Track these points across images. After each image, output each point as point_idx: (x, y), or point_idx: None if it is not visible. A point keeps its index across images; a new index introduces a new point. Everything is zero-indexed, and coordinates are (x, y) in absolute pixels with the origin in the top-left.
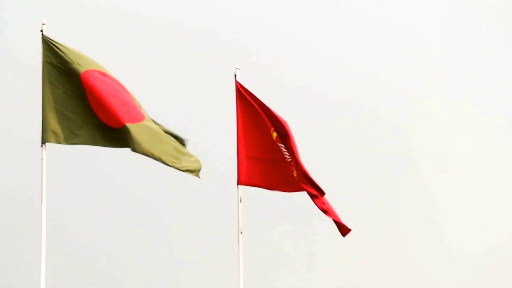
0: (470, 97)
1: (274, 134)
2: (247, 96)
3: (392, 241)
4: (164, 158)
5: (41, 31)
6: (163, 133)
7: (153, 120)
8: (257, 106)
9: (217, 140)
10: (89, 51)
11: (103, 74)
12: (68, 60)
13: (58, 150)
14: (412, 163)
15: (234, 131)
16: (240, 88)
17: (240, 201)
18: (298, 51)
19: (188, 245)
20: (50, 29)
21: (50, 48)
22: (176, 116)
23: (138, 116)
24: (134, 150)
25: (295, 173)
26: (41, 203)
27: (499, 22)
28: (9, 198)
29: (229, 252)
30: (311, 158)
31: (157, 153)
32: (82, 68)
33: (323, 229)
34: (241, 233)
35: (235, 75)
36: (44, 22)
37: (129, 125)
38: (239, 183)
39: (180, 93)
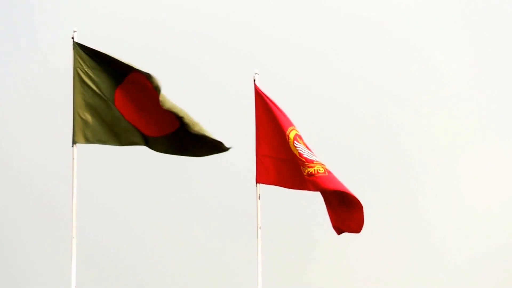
0: (465, 97)
1: (293, 133)
2: (265, 99)
3: (390, 242)
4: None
5: (72, 38)
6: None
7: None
8: (273, 110)
9: (237, 141)
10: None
11: (131, 85)
12: (97, 66)
13: (88, 151)
14: (405, 164)
15: (253, 133)
16: (259, 92)
17: (259, 198)
18: (313, 57)
19: (210, 240)
20: (80, 37)
21: (80, 55)
22: (198, 118)
23: (168, 127)
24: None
25: (305, 173)
26: (72, 199)
27: (491, 21)
28: (41, 195)
29: (249, 247)
30: (325, 157)
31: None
32: (115, 80)
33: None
34: (260, 228)
35: (254, 80)
36: (75, 30)
37: (160, 138)
38: (257, 181)
39: (203, 97)
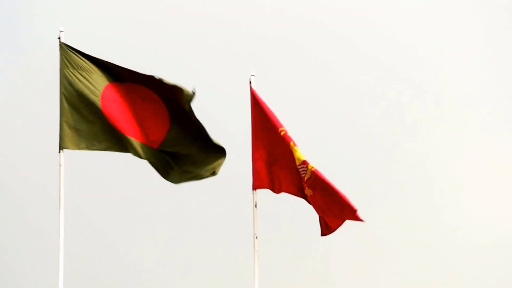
0: (469, 94)
1: (282, 133)
2: (260, 102)
3: (397, 240)
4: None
5: (59, 38)
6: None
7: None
8: (268, 112)
9: (234, 146)
10: (105, 59)
11: (118, 89)
12: (85, 68)
13: (76, 156)
14: (417, 162)
15: (249, 137)
16: (255, 95)
17: (256, 206)
18: (310, 59)
19: (205, 249)
20: (67, 37)
21: (67, 55)
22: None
23: (155, 139)
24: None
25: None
26: (59, 207)
27: (496, 19)
28: (27, 203)
29: (245, 257)
30: (321, 160)
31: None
32: (99, 87)
33: (339, 233)
34: (256, 237)
35: (250, 82)
36: (61, 30)
37: (148, 147)
38: (254, 187)
39: (197, 99)
